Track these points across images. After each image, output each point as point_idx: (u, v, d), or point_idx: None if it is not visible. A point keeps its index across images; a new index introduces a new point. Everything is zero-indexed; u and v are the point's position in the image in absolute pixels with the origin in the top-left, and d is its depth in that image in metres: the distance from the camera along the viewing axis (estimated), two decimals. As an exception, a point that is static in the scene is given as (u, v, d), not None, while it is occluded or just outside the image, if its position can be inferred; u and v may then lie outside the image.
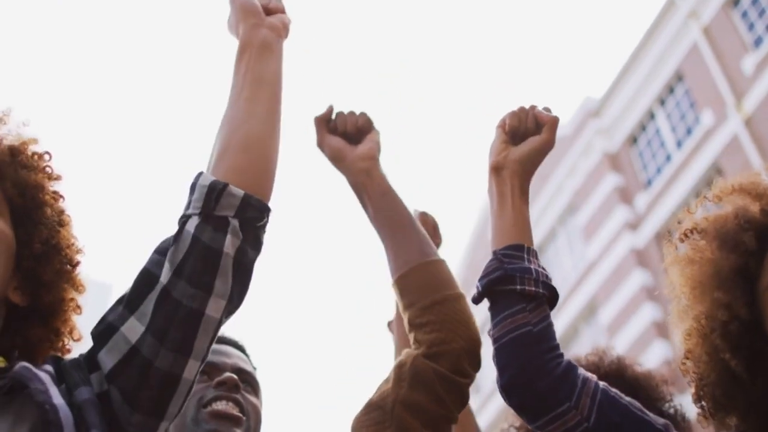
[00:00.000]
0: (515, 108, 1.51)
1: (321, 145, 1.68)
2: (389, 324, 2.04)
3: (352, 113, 1.68)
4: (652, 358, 14.93)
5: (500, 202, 1.43)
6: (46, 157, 1.24)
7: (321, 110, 1.70)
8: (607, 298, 16.90)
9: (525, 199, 1.44)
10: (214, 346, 1.15)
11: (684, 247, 1.37)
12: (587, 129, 18.39)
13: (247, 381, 1.57)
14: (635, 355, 15.28)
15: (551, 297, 1.37)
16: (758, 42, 14.94)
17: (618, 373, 1.91)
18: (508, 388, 1.31)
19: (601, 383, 1.31)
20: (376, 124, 1.69)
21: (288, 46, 1.31)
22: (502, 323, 1.33)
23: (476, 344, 1.46)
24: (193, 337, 1.04)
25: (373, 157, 1.63)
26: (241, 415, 1.48)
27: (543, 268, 1.38)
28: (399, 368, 1.45)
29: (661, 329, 14.93)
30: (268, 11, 1.31)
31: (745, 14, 15.39)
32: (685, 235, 1.37)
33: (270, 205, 1.14)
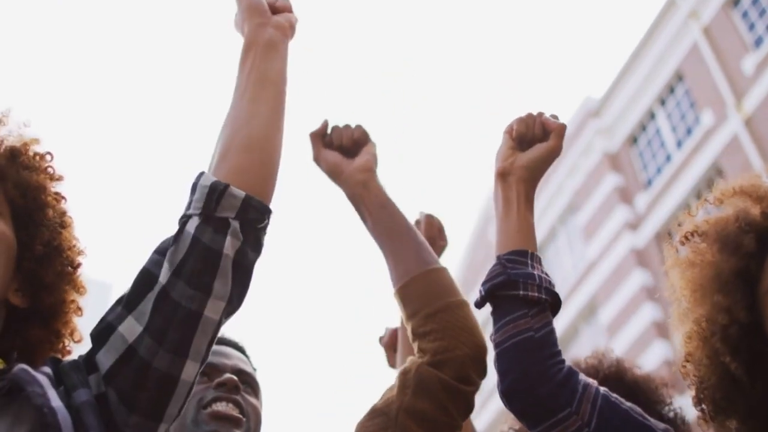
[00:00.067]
0: (523, 114, 1.51)
1: (317, 160, 1.69)
2: (380, 339, 2.03)
3: (347, 126, 1.68)
4: (652, 358, 14.93)
5: (506, 208, 1.43)
6: (48, 157, 1.24)
7: (316, 125, 1.70)
8: (607, 298, 16.89)
9: (530, 205, 1.45)
10: (214, 347, 1.14)
11: (685, 249, 1.37)
12: (587, 129, 18.38)
13: (247, 382, 1.56)
14: (635, 355, 15.31)
15: (554, 303, 1.37)
16: (758, 42, 14.93)
17: (617, 376, 1.91)
18: (508, 393, 1.31)
19: (602, 389, 1.31)
20: (372, 137, 1.68)
21: (291, 44, 1.30)
22: (504, 328, 1.33)
23: (481, 351, 1.45)
24: (192, 339, 1.03)
25: (370, 169, 1.63)
26: (241, 416, 1.48)
27: (546, 275, 1.38)
28: (403, 375, 1.45)
29: (661, 329, 14.93)
30: (275, 10, 1.30)
31: (745, 14, 15.39)
32: (686, 237, 1.37)
33: (271, 206, 1.13)
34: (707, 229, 1.34)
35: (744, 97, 14.79)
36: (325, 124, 1.70)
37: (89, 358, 1.06)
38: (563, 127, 1.48)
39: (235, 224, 1.07)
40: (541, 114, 1.50)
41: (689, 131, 16.22)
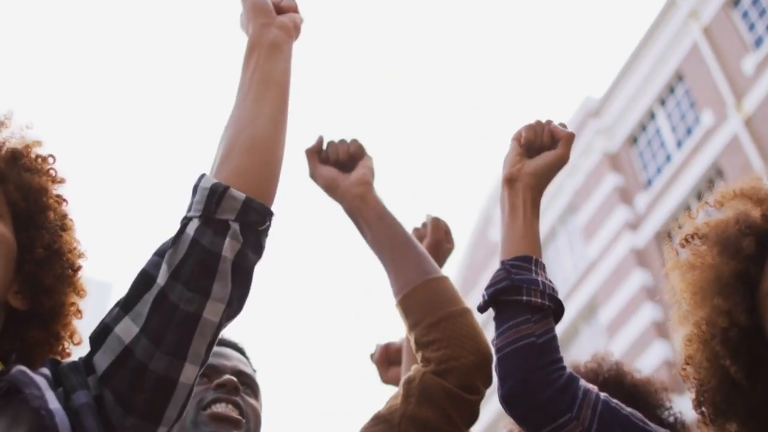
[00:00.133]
0: (531, 121, 1.51)
1: (314, 176, 1.69)
2: (371, 356, 2.03)
3: (342, 141, 1.68)
4: (652, 359, 14.93)
5: (512, 214, 1.44)
6: (50, 160, 1.24)
7: (311, 142, 1.70)
8: (607, 298, 16.89)
9: (536, 212, 1.45)
10: (214, 348, 1.14)
11: (685, 252, 1.37)
12: (587, 129, 18.38)
13: (247, 383, 1.56)
14: (635, 355, 15.31)
15: (557, 310, 1.37)
16: (759, 42, 14.93)
17: (617, 379, 1.91)
18: (509, 398, 1.30)
19: (602, 394, 1.31)
20: (368, 150, 1.69)
21: (295, 45, 1.30)
22: (506, 333, 1.33)
23: (487, 358, 1.44)
24: (190, 341, 1.03)
25: (367, 183, 1.63)
26: (240, 417, 1.48)
27: (550, 282, 1.39)
28: (407, 383, 1.44)
29: (660, 329, 14.92)
30: (280, 10, 1.29)
31: (745, 14, 15.39)
32: (686, 240, 1.37)
33: (273, 209, 1.13)
34: (707, 232, 1.34)
35: (744, 97, 14.79)
36: (320, 140, 1.70)
37: (88, 360, 1.06)
38: (571, 136, 1.49)
39: (235, 226, 1.07)
40: (549, 122, 1.51)
41: (689, 131, 16.22)
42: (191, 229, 1.06)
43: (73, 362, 1.08)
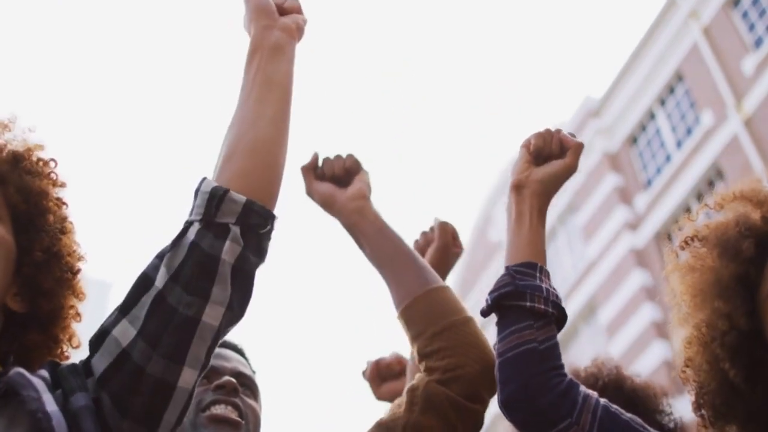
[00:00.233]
0: (541, 129, 1.52)
1: (310, 193, 1.68)
2: (363, 373, 2.02)
3: (338, 156, 1.68)
4: (651, 359, 14.94)
5: (518, 220, 1.44)
6: (52, 164, 1.23)
7: (306, 159, 1.70)
8: (607, 298, 16.89)
9: (542, 220, 1.45)
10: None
11: (684, 254, 1.37)
12: (587, 129, 18.38)
13: (246, 385, 1.56)
14: (634, 355, 15.32)
15: (560, 317, 1.37)
16: (758, 42, 14.93)
17: (617, 384, 1.90)
18: (509, 403, 1.30)
19: (602, 400, 1.31)
20: (364, 165, 1.68)
21: (298, 46, 1.29)
22: (508, 338, 1.33)
23: (492, 366, 1.42)
24: (188, 345, 1.02)
25: (364, 197, 1.63)
26: (239, 419, 1.47)
27: (554, 289, 1.39)
28: (411, 391, 1.44)
29: (660, 329, 14.92)
30: (283, 11, 1.28)
31: (745, 14, 15.39)
32: (686, 242, 1.37)
33: (275, 212, 1.12)
34: (707, 234, 1.34)
35: (744, 98, 14.79)
36: (315, 157, 1.70)
37: (87, 363, 1.06)
38: (580, 146, 1.49)
39: (236, 229, 1.06)
40: (558, 131, 1.52)
41: (689, 131, 16.22)
42: (192, 232, 1.06)
43: (73, 364, 1.08)
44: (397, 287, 1.53)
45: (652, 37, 17.13)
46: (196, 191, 1.10)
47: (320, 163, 1.70)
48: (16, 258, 1.13)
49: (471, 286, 19.88)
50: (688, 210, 15.25)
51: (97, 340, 1.05)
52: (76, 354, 1.20)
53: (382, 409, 1.52)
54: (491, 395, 1.44)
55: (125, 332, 1.03)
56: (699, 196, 15.17)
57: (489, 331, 1.39)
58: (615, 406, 1.31)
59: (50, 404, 0.98)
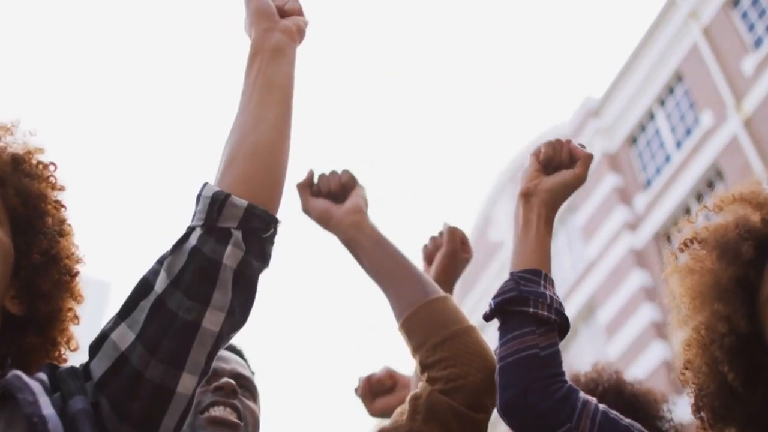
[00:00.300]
0: (552, 138, 1.53)
1: (306, 210, 1.68)
2: (356, 390, 2.01)
3: (334, 172, 1.68)
4: (651, 359, 14.94)
5: (525, 227, 1.45)
6: (51, 167, 1.23)
7: (301, 177, 1.70)
8: (606, 299, 16.89)
9: (549, 228, 1.46)
10: None
11: (684, 256, 1.37)
12: (587, 129, 18.37)
13: (245, 386, 1.56)
14: (634, 355, 15.31)
15: (562, 326, 1.37)
16: (758, 43, 14.92)
17: (617, 389, 1.90)
18: (508, 407, 1.30)
19: (602, 405, 1.31)
20: (360, 180, 1.68)
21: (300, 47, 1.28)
22: (510, 343, 1.33)
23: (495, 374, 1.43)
24: (188, 350, 1.02)
25: (361, 211, 1.62)
26: (238, 421, 1.47)
27: (558, 297, 1.39)
28: (414, 400, 1.43)
29: (659, 330, 14.92)
30: (284, 13, 1.28)
31: (745, 15, 15.38)
32: (685, 244, 1.37)
33: (277, 215, 1.11)
34: (707, 236, 1.34)
35: (744, 98, 14.78)
36: (311, 174, 1.70)
37: (86, 367, 1.05)
38: (590, 157, 1.51)
39: (238, 234, 1.06)
40: (569, 141, 1.53)
41: (689, 132, 16.22)
42: (194, 238, 1.05)
43: (72, 368, 1.07)
44: (397, 299, 1.52)
45: (651, 37, 17.13)
46: (198, 196, 1.09)
47: (316, 179, 1.70)
48: (14, 260, 1.13)
49: (471, 286, 19.86)
50: (687, 210, 15.25)
51: (97, 344, 1.05)
52: (75, 357, 1.20)
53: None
54: (494, 404, 1.43)
55: (123, 336, 1.02)
56: (698, 197, 15.17)
57: (488, 333, 1.39)
58: (614, 412, 1.31)
59: (47, 407, 0.97)
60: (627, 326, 15.99)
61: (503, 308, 1.37)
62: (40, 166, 1.22)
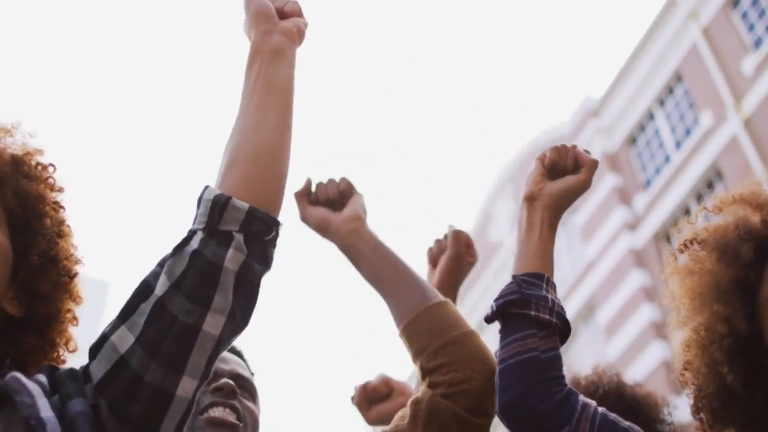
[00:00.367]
0: (558, 144, 1.54)
1: (305, 218, 1.68)
2: (352, 399, 2.01)
3: (331, 180, 1.68)
4: (650, 359, 14.94)
5: (528, 231, 1.45)
6: (50, 168, 1.22)
7: (299, 185, 1.70)
8: (606, 299, 16.89)
9: (553, 233, 1.47)
10: None
11: (684, 257, 1.37)
12: (587, 129, 18.38)
13: (245, 387, 1.55)
14: (633, 355, 15.31)
15: (563, 330, 1.37)
16: (758, 43, 14.92)
17: (618, 392, 1.90)
18: (507, 409, 1.30)
19: (601, 408, 1.31)
20: (358, 188, 1.68)
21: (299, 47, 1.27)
22: (510, 345, 1.33)
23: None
24: (188, 354, 1.01)
25: (359, 218, 1.62)
26: (237, 422, 1.47)
27: (560, 301, 1.39)
28: (415, 404, 1.43)
29: (659, 330, 14.92)
30: (283, 15, 1.27)
31: (745, 15, 15.38)
32: (685, 245, 1.37)
33: (279, 218, 1.11)
34: (706, 237, 1.34)
35: (743, 98, 14.78)
36: (309, 183, 1.70)
37: (86, 369, 1.05)
38: (595, 163, 1.52)
39: (239, 237, 1.05)
40: (574, 147, 1.54)
41: (688, 132, 16.22)
42: (195, 241, 1.05)
43: (72, 369, 1.07)
44: (397, 305, 1.52)
45: (651, 37, 17.13)
46: (199, 199, 1.09)
47: (313, 188, 1.70)
48: (13, 262, 1.12)
49: (470, 285, 19.84)
50: (687, 210, 15.26)
51: (97, 347, 1.05)
52: (73, 358, 1.20)
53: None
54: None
55: (123, 338, 1.02)
56: (698, 197, 15.18)
57: (486, 336, 1.39)
58: (613, 415, 1.31)
59: (45, 410, 0.97)
60: (626, 326, 15.99)
61: (505, 310, 1.37)
62: (39, 168, 1.21)
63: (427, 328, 1.47)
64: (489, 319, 1.39)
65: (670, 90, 16.99)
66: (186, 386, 1.02)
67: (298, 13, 1.29)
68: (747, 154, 14.23)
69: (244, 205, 1.06)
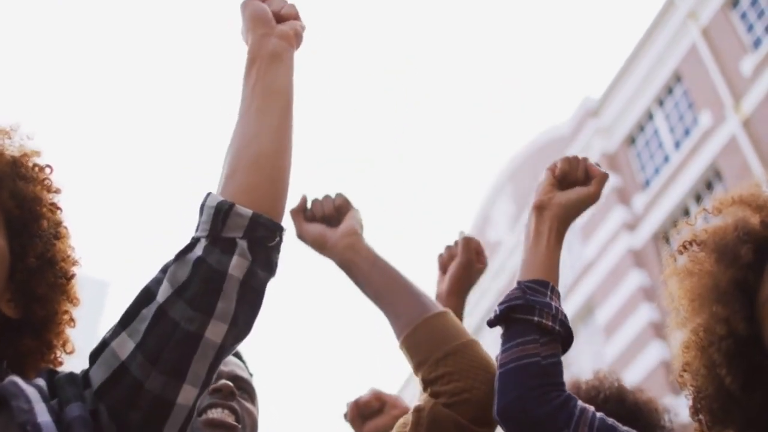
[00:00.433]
0: (569, 155, 1.56)
1: (301, 236, 1.68)
2: (345, 416, 2.00)
3: (327, 197, 1.68)
4: (649, 359, 14.94)
5: (536, 239, 1.46)
6: (47, 170, 1.22)
7: (295, 203, 1.70)
8: (605, 299, 16.90)
9: (560, 243, 1.47)
10: None
11: (683, 258, 1.36)
12: (586, 129, 18.38)
13: (244, 388, 1.55)
14: (632, 356, 15.32)
15: (566, 339, 1.37)
16: (757, 43, 14.93)
17: (619, 397, 1.89)
18: (505, 413, 1.30)
19: (599, 414, 1.31)
20: (354, 203, 1.68)
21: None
22: (512, 349, 1.33)
23: None
24: (189, 362, 1.00)
25: (356, 233, 1.62)
26: (236, 423, 1.47)
27: (563, 310, 1.39)
28: (417, 412, 1.42)
29: (658, 330, 14.93)
30: (280, 18, 1.26)
31: (744, 15, 15.39)
32: (684, 246, 1.37)
33: (282, 224, 1.10)
34: (706, 238, 1.34)
35: (742, 98, 14.79)
36: (304, 199, 1.70)
37: (86, 374, 1.04)
38: (605, 176, 1.54)
39: (243, 244, 1.04)
40: (585, 159, 1.55)
41: (687, 132, 16.23)
42: (199, 248, 1.04)
43: (71, 374, 1.06)
44: (396, 317, 1.52)
45: (650, 37, 17.14)
46: (201, 206, 1.08)
47: (309, 204, 1.70)
48: (10, 264, 1.12)
49: (469, 286, 19.83)
50: (686, 211, 15.27)
51: (97, 352, 1.04)
52: (72, 358, 1.20)
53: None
54: None
55: (123, 345, 1.01)
56: (697, 197, 15.19)
57: (483, 339, 1.38)
58: (611, 420, 1.31)
59: (42, 415, 0.96)
60: (625, 326, 15.99)
61: (508, 315, 1.37)
62: (36, 169, 1.21)
63: (427, 339, 1.46)
64: (492, 323, 1.39)
65: (669, 90, 17.00)
66: (187, 394, 1.01)
67: (295, 16, 1.28)
68: (746, 155, 14.24)
69: (248, 212, 1.05)
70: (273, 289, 1.11)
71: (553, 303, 1.38)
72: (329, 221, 1.67)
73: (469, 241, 1.85)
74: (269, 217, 1.07)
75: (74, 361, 1.18)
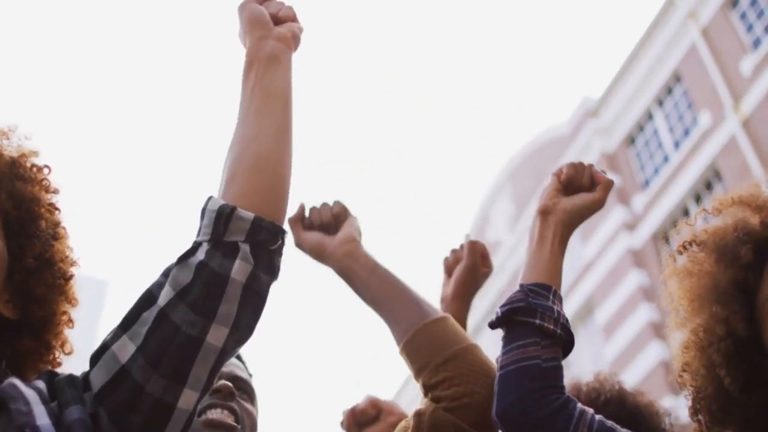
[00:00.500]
0: (575, 161, 1.57)
1: (299, 244, 1.68)
2: (341, 424, 2.00)
3: (325, 204, 1.68)
4: (649, 359, 14.95)
5: (539, 244, 1.47)
6: (45, 170, 1.21)
7: (293, 211, 1.69)
8: (604, 299, 16.90)
9: (563, 248, 1.48)
10: None
11: (682, 258, 1.37)
12: (585, 129, 18.39)
13: (243, 389, 1.55)
14: (631, 356, 15.33)
15: (567, 343, 1.37)
16: (757, 43, 14.94)
17: (619, 399, 1.89)
18: (504, 414, 1.30)
19: (598, 416, 1.31)
20: (352, 211, 1.68)
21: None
22: (512, 351, 1.33)
23: None
24: (190, 366, 1.00)
25: (354, 240, 1.62)
26: (235, 423, 1.47)
27: (565, 314, 1.39)
28: (418, 416, 1.42)
29: (657, 330, 14.93)
30: (278, 20, 1.26)
31: (743, 15, 15.40)
32: (684, 246, 1.37)
33: (284, 227, 1.10)
34: (705, 239, 1.34)
35: (742, 99, 14.80)
36: (302, 208, 1.70)
37: (86, 376, 1.04)
38: (611, 183, 1.53)
39: (245, 247, 1.04)
40: (591, 165, 1.56)
41: (687, 132, 16.24)
42: (201, 252, 1.04)
43: (71, 376, 1.06)
44: (396, 324, 1.51)
45: (650, 37, 17.15)
46: (203, 210, 1.08)
47: (307, 212, 1.70)
48: (8, 264, 1.11)
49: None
50: (685, 211, 15.27)
51: (97, 355, 1.04)
52: (69, 360, 1.19)
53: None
54: None
55: (124, 348, 1.01)
56: (697, 197, 15.20)
57: (482, 338, 1.38)
58: (610, 422, 1.31)
59: (42, 417, 0.96)
60: (625, 326, 16.00)
61: (510, 317, 1.37)
62: (34, 169, 1.20)
63: (427, 344, 1.46)
64: (493, 325, 1.39)
65: (668, 90, 17.00)
66: (187, 398, 1.01)
67: (293, 18, 1.28)
68: (745, 155, 14.25)
69: (249, 215, 1.05)
70: (273, 291, 1.10)
71: (555, 307, 1.38)
72: (327, 229, 1.67)
73: (474, 244, 1.85)
74: (271, 220, 1.07)
75: (73, 362, 1.18)
